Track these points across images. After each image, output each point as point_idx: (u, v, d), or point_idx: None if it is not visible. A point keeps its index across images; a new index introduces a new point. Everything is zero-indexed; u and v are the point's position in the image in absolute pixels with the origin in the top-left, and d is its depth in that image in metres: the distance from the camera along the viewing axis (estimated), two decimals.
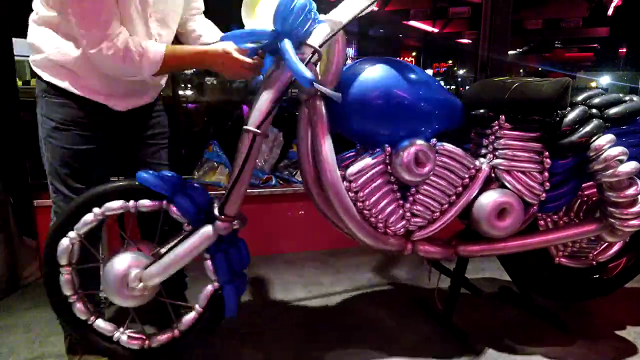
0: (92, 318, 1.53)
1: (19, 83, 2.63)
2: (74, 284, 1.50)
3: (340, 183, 1.50)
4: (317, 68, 1.47)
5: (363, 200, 1.54)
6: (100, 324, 1.53)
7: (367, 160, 1.54)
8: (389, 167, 1.56)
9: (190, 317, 1.56)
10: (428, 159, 1.53)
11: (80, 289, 1.52)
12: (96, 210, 1.46)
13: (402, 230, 1.61)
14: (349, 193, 1.53)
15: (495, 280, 2.37)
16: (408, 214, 1.60)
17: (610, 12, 8.89)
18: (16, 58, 2.33)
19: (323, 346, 1.79)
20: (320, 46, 1.39)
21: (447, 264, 1.94)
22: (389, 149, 1.55)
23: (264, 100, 1.43)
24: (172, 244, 1.48)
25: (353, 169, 1.53)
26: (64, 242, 1.46)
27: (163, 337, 1.55)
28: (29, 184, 2.40)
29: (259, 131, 1.41)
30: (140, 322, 1.57)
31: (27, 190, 2.38)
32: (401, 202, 1.59)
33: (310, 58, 1.37)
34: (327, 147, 1.49)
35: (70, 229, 1.46)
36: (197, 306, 1.56)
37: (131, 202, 1.46)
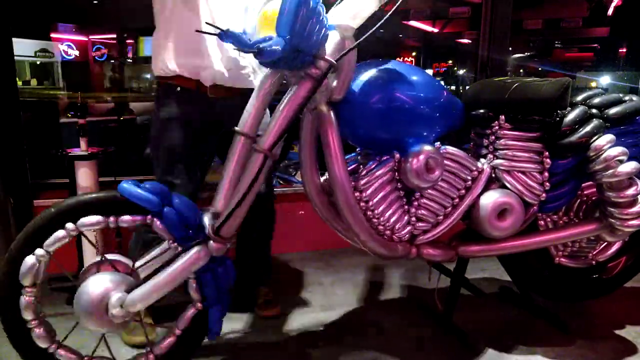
0: (54, 346, 1.36)
1: (19, 83, 2.63)
2: (36, 307, 1.33)
3: (352, 193, 1.48)
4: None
5: (372, 209, 1.52)
6: (62, 352, 1.37)
7: (376, 170, 1.52)
8: (397, 173, 1.54)
9: (167, 340, 1.43)
10: (437, 164, 1.51)
11: (42, 313, 1.35)
12: (69, 225, 1.30)
13: (407, 235, 1.60)
14: (360, 203, 1.50)
15: (495, 280, 2.37)
16: (413, 218, 1.59)
17: (610, 12, 8.88)
18: (16, 58, 2.33)
19: (323, 346, 1.79)
20: (337, 60, 1.33)
21: (447, 264, 1.94)
22: (397, 156, 1.53)
23: (278, 120, 1.36)
24: (148, 258, 1.37)
25: (363, 179, 1.50)
26: (29, 260, 1.29)
27: None
28: (29, 184, 2.40)
29: (270, 153, 1.34)
30: (109, 349, 1.45)
31: (27, 190, 2.38)
32: (406, 207, 1.58)
33: (327, 73, 1.32)
34: (340, 157, 1.44)
35: (38, 246, 1.30)
36: (175, 328, 1.42)
37: (111, 217, 1.32)
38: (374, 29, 1.34)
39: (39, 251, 1.30)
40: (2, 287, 1.32)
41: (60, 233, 1.31)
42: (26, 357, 1.38)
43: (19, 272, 1.30)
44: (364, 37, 1.33)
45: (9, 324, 1.34)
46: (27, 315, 1.32)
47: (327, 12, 1.38)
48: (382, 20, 1.32)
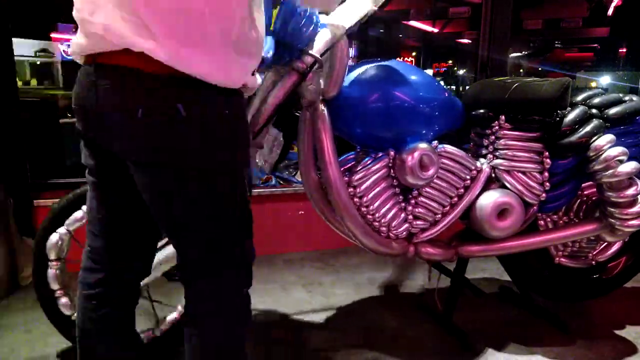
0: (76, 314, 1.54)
1: (19, 83, 2.63)
2: (61, 279, 1.52)
3: (344, 189, 1.49)
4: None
5: (367, 205, 1.53)
6: None
7: (371, 165, 1.53)
8: (392, 170, 1.55)
9: (172, 317, 1.58)
10: (432, 162, 1.52)
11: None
12: (85, 207, 1.45)
13: (404, 233, 1.60)
14: (354, 198, 1.52)
15: (495, 280, 2.37)
16: (410, 216, 1.59)
17: (610, 12, 8.88)
18: (16, 58, 2.33)
19: (323, 346, 1.79)
20: (322, 55, 1.36)
21: (447, 264, 1.94)
22: (392, 153, 1.54)
23: (261, 111, 1.39)
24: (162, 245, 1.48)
25: (357, 174, 1.52)
26: (54, 237, 1.49)
27: (144, 337, 1.56)
28: (29, 184, 2.40)
29: (253, 141, 1.40)
30: None
31: (27, 190, 2.38)
32: (403, 205, 1.59)
33: (311, 68, 1.35)
34: (332, 153, 1.47)
35: (60, 225, 1.49)
36: (179, 306, 1.57)
37: None
38: (355, 24, 1.37)
39: (61, 229, 1.49)
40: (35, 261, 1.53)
41: (78, 213, 1.49)
42: (54, 322, 1.57)
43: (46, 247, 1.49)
44: (345, 32, 1.37)
45: (41, 294, 1.54)
46: (54, 286, 1.50)
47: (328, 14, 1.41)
48: (366, 17, 1.37)
